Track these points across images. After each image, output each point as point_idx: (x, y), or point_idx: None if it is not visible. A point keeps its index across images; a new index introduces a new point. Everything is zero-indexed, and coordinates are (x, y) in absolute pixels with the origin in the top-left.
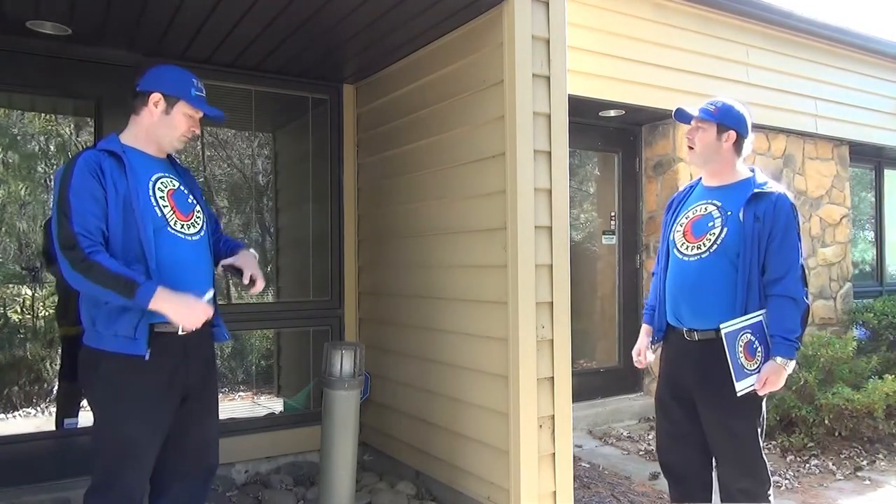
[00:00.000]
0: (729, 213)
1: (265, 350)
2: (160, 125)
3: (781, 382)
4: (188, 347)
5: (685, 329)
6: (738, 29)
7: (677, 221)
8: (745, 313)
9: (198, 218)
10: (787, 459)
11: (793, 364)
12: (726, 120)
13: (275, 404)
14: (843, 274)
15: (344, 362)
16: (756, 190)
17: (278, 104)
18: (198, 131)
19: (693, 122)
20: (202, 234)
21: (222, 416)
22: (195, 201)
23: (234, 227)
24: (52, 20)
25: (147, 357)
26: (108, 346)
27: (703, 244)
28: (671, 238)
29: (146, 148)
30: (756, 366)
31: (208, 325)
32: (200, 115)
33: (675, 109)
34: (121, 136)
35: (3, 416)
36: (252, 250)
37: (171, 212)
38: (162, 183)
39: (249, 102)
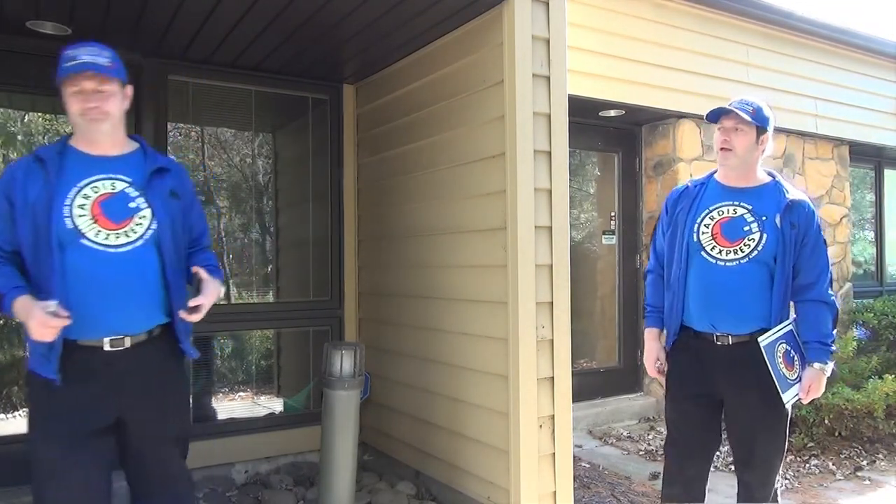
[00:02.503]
0: (764, 218)
1: (265, 350)
2: (69, 115)
3: (823, 388)
4: (119, 364)
5: (717, 334)
6: (738, 29)
7: (699, 221)
8: (780, 320)
9: (137, 226)
10: (787, 459)
11: (830, 368)
12: (764, 123)
13: (275, 404)
14: (843, 274)
15: (344, 362)
16: (791, 198)
17: (278, 104)
18: (92, 103)
19: (732, 123)
20: (139, 243)
21: (222, 416)
22: (144, 205)
23: (235, 226)
24: (52, 20)
25: (58, 382)
26: (32, 365)
27: (742, 249)
28: (695, 239)
29: (85, 147)
30: (796, 375)
31: (164, 339)
32: (87, 86)
33: (715, 110)
34: (70, 138)
35: (3, 416)
36: (218, 287)
37: (91, 221)
38: (92, 188)
39: (249, 102)
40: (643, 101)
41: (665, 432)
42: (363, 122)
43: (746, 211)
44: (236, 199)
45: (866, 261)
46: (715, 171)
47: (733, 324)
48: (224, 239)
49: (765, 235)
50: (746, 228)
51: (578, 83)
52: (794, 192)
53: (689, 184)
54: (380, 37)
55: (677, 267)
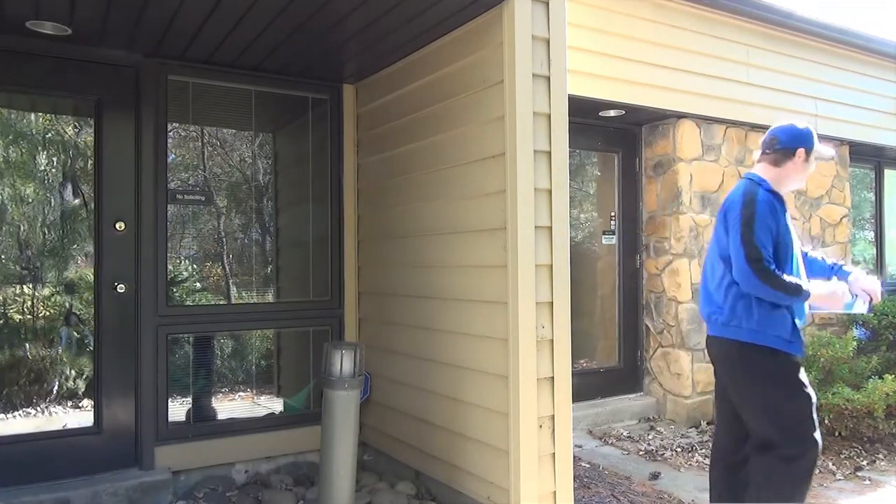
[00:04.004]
0: None
1: (265, 350)
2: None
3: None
4: None
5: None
6: (738, 29)
7: (793, 233)
8: None
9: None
10: None
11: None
12: None
13: (275, 404)
14: None
15: (344, 362)
16: None
17: (278, 104)
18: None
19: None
20: None
21: (222, 415)
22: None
23: (235, 226)
24: (52, 20)
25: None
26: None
27: None
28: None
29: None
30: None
31: None
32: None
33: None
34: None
35: (2, 416)
36: None
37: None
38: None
39: (249, 102)
40: (643, 101)
41: (664, 433)
42: (363, 122)
43: None
44: (236, 199)
45: (866, 261)
46: (762, 178)
47: None
48: (224, 239)
49: None
50: None
51: (578, 83)
52: None
53: (764, 191)
54: (380, 37)
55: (797, 273)
